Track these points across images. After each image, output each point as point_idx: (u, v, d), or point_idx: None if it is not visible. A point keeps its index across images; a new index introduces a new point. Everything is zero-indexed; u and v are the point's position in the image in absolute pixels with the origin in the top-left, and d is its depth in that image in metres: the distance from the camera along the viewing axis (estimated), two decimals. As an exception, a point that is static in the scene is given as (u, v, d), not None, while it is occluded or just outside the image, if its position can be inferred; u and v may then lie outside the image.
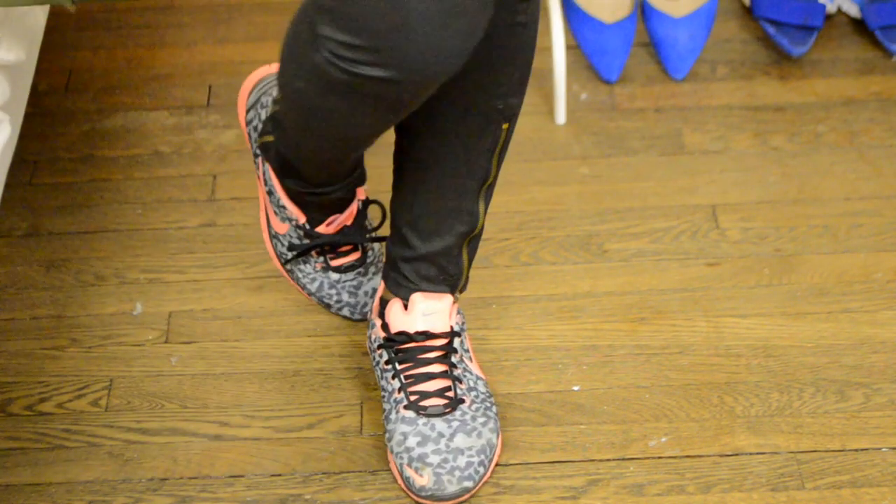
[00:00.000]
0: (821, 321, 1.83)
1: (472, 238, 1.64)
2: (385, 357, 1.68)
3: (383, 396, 1.68)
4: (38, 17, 1.66)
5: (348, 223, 1.78)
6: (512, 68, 1.52)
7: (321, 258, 1.81)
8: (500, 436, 1.67)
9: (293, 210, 1.76)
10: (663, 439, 1.69)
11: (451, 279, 1.67)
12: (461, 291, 1.71)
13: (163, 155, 2.11)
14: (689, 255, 1.92)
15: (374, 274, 1.83)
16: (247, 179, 2.06)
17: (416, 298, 1.66)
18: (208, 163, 2.09)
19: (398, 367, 1.66)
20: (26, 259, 1.95)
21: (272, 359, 1.81)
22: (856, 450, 1.67)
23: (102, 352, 1.82)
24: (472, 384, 1.67)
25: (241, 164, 2.09)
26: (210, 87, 2.23)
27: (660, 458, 1.68)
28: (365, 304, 1.82)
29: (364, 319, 1.83)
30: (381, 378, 1.69)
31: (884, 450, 1.67)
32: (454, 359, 1.67)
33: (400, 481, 1.64)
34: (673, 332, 1.82)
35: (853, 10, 2.28)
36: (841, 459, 1.66)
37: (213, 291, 1.90)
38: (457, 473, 1.60)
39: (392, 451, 1.64)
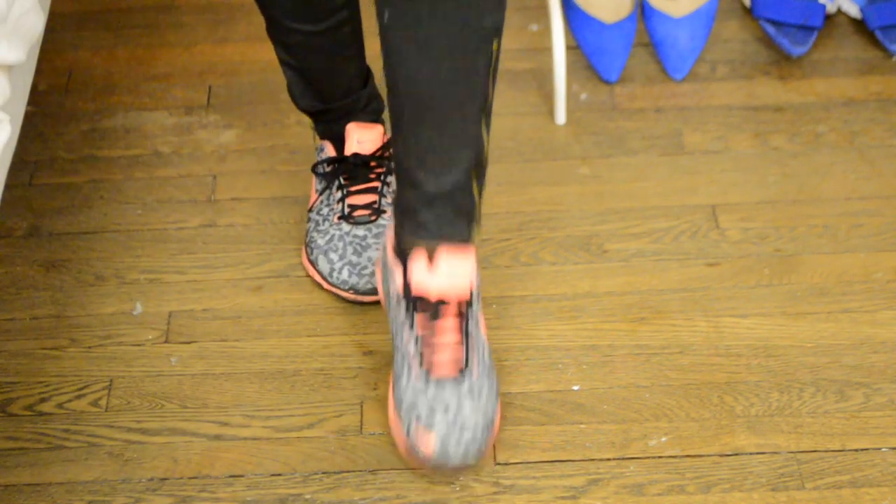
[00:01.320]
0: (821, 321, 1.83)
1: (479, 169, 1.62)
2: (403, 314, 1.66)
3: (395, 347, 1.67)
4: (38, 17, 1.66)
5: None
6: None
7: (340, 193, 1.86)
8: (499, 400, 1.67)
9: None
10: (663, 439, 1.69)
11: (467, 214, 1.64)
12: (478, 223, 1.66)
13: (163, 155, 2.11)
14: (689, 255, 1.92)
15: (377, 247, 1.86)
16: (247, 179, 2.06)
17: (442, 255, 1.63)
18: (208, 163, 2.09)
19: (418, 331, 1.64)
20: (26, 259, 1.95)
21: (272, 359, 1.81)
22: (856, 450, 1.67)
23: (102, 352, 1.82)
24: (480, 351, 1.66)
25: (241, 164, 2.09)
26: (210, 87, 2.23)
27: (660, 457, 1.68)
28: (364, 268, 1.83)
29: (360, 293, 1.83)
30: (396, 333, 1.67)
31: (884, 450, 1.67)
32: (470, 325, 1.65)
33: (402, 444, 1.63)
34: (673, 332, 1.82)
35: (853, 10, 2.28)
36: (841, 459, 1.66)
37: (213, 291, 1.90)
38: (463, 442, 1.60)
39: (399, 415, 1.64)
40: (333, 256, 1.86)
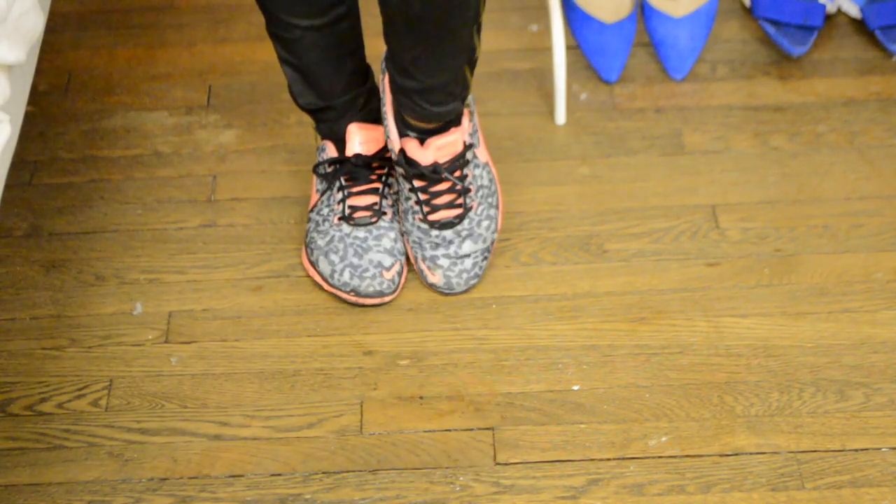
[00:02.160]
0: (821, 321, 1.83)
1: (471, 62, 1.75)
2: (402, 170, 1.84)
3: (397, 192, 1.90)
4: (38, 17, 1.66)
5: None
6: None
7: (341, 195, 1.89)
8: (501, 209, 1.89)
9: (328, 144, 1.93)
10: (663, 439, 1.69)
11: (459, 95, 1.78)
12: (470, 90, 1.81)
13: (163, 155, 2.11)
14: (689, 255, 1.92)
15: (378, 250, 1.85)
16: (247, 179, 2.06)
17: (431, 140, 1.81)
18: (208, 163, 2.09)
19: (415, 184, 1.84)
20: (26, 259, 1.95)
21: (272, 359, 1.81)
22: (856, 450, 1.67)
23: (102, 352, 1.82)
24: (479, 182, 1.85)
25: (241, 164, 2.09)
26: (210, 87, 2.23)
27: (660, 457, 1.68)
28: (366, 270, 1.83)
29: (362, 296, 1.84)
30: (397, 182, 1.88)
31: (884, 450, 1.67)
32: (466, 171, 1.83)
33: (415, 267, 1.87)
34: (673, 332, 1.82)
35: (853, 10, 2.28)
36: (841, 459, 1.66)
37: (213, 291, 1.90)
38: (464, 275, 1.85)
39: (409, 244, 1.87)
40: (334, 258, 1.85)
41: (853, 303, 1.85)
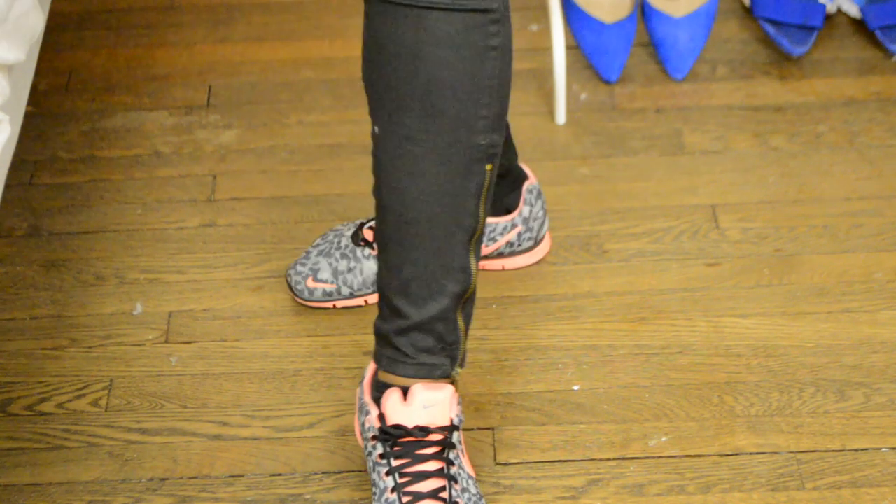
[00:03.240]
0: (821, 321, 1.83)
1: (466, 300, 1.54)
2: (379, 451, 1.55)
3: (374, 493, 1.56)
4: (38, 17, 1.66)
5: None
6: (490, 99, 1.43)
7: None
8: None
9: None
10: (663, 439, 1.69)
11: (449, 348, 1.56)
12: (461, 366, 1.58)
13: (163, 155, 2.11)
14: (689, 255, 1.92)
15: None
16: (247, 179, 2.06)
17: (417, 389, 1.54)
18: (208, 163, 2.09)
19: (393, 463, 1.54)
20: (26, 259, 1.95)
21: (272, 359, 1.81)
22: (856, 450, 1.67)
23: (102, 352, 1.82)
24: (465, 484, 1.56)
25: (241, 164, 2.09)
26: (210, 87, 2.23)
27: (660, 457, 1.68)
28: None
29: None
30: (373, 471, 1.56)
31: (884, 450, 1.67)
32: (452, 455, 1.55)
33: None
34: (673, 332, 1.82)
35: (853, 10, 2.28)
36: (841, 459, 1.66)
37: (212, 291, 1.90)
38: None
39: None
40: None
41: (853, 303, 1.85)
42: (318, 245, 1.87)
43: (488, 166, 1.45)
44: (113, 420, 1.74)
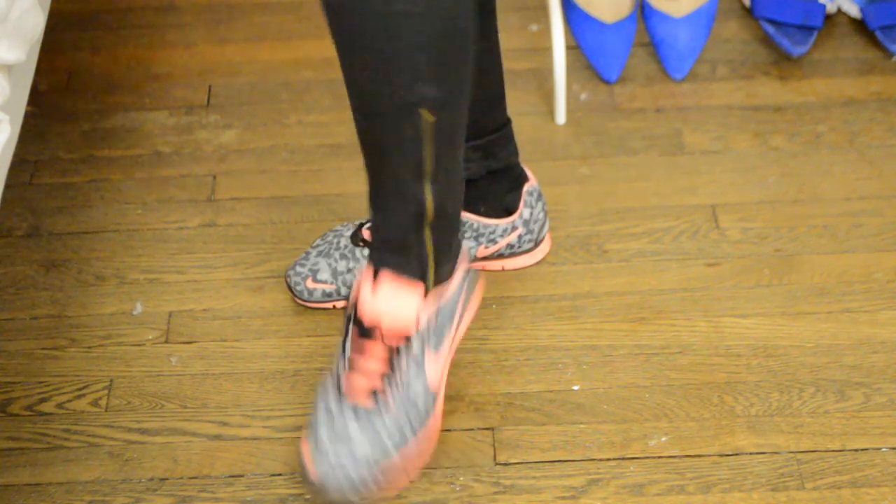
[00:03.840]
0: (821, 321, 1.83)
1: (431, 225, 1.57)
2: (344, 330, 1.62)
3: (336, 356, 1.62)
4: (38, 17, 1.66)
5: None
6: (417, 52, 1.44)
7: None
8: (420, 451, 1.61)
9: None
10: (663, 439, 1.69)
11: (416, 260, 1.59)
12: (436, 283, 1.61)
13: (163, 155, 2.11)
14: (689, 255, 1.92)
15: None
16: (247, 179, 2.06)
17: (384, 279, 1.58)
18: (208, 163, 2.09)
19: (348, 349, 1.59)
20: (26, 259, 1.95)
21: (272, 359, 1.81)
22: (856, 450, 1.67)
23: (102, 352, 1.82)
24: (410, 395, 1.58)
25: (241, 164, 2.09)
26: (210, 87, 2.23)
27: (660, 457, 1.68)
28: None
29: None
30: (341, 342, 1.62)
31: (884, 450, 1.67)
32: (402, 361, 1.58)
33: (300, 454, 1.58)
34: (673, 332, 1.82)
35: (853, 10, 2.28)
36: (841, 459, 1.66)
37: (212, 291, 1.90)
38: (341, 475, 1.55)
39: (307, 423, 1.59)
40: None
41: (853, 303, 1.85)
42: (318, 246, 1.87)
43: (424, 112, 1.46)
44: (113, 420, 1.74)
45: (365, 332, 1.59)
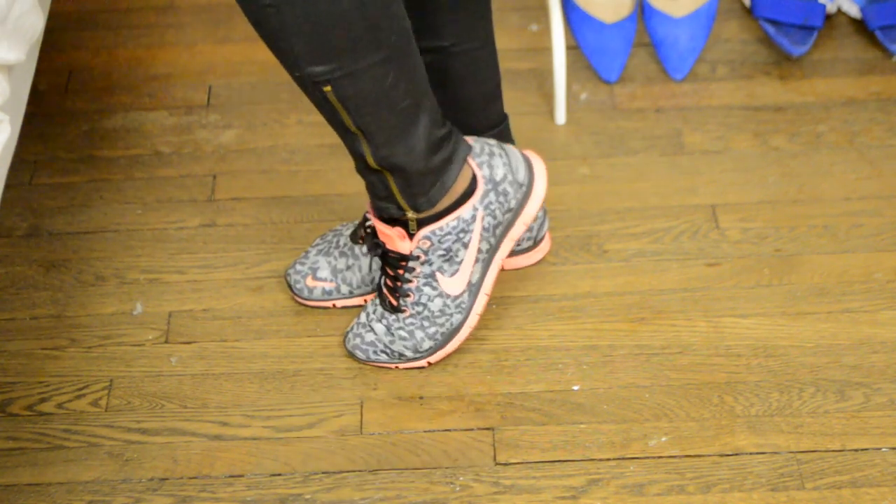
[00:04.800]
0: (821, 321, 1.83)
1: (388, 170, 1.68)
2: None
3: None
4: (38, 17, 1.66)
5: None
6: (294, 38, 1.58)
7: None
8: (416, 346, 1.78)
9: None
10: (663, 439, 1.69)
11: (386, 198, 1.72)
12: (420, 219, 1.74)
13: (163, 155, 2.11)
14: (689, 255, 1.92)
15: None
16: (247, 179, 2.06)
17: (374, 217, 1.77)
18: (208, 163, 2.09)
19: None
20: (26, 259, 1.95)
21: (272, 359, 1.81)
22: (856, 450, 1.67)
23: (102, 352, 1.82)
24: (423, 301, 1.77)
25: (241, 164, 2.09)
26: (210, 87, 2.23)
27: (660, 457, 1.68)
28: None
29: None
30: None
31: (884, 450, 1.67)
32: (406, 275, 1.76)
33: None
34: (673, 332, 1.82)
35: (853, 10, 2.28)
36: (841, 459, 1.66)
37: (213, 291, 1.90)
38: (358, 341, 1.79)
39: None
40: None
41: (853, 303, 1.85)
42: (317, 245, 1.87)
43: (326, 87, 1.60)
44: (113, 420, 1.74)
45: (383, 254, 1.79)
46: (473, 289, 1.78)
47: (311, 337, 1.83)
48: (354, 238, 1.85)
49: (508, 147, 1.79)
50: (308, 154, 2.10)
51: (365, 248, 1.84)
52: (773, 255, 1.92)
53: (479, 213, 1.75)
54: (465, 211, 1.74)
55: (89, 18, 2.38)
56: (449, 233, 1.75)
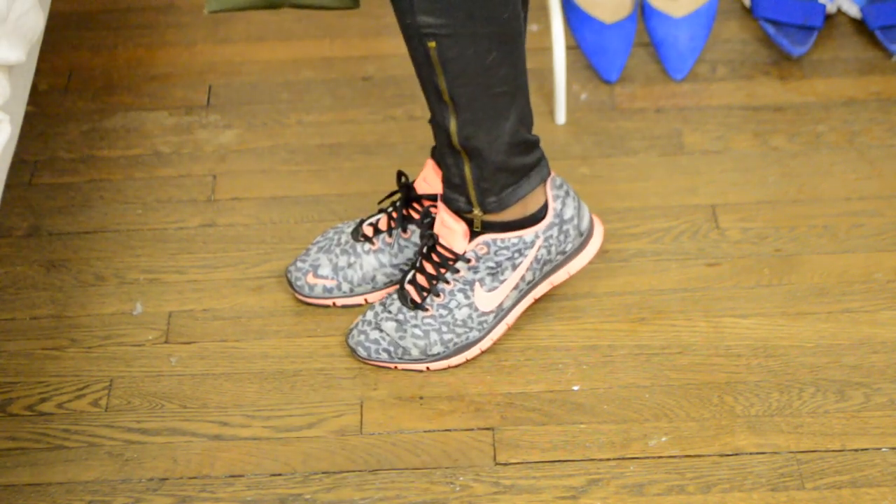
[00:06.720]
0: (821, 321, 1.83)
1: (467, 153, 1.69)
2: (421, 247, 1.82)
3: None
4: (38, 17, 1.66)
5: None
6: None
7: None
8: (423, 348, 1.77)
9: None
10: (663, 439, 1.69)
11: (458, 188, 1.73)
12: (485, 215, 1.75)
13: (163, 155, 2.11)
14: (689, 255, 1.92)
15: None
16: (247, 179, 2.06)
17: (441, 207, 1.77)
18: (208, 163, 2.09)
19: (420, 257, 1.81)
20: (26, 259, 1.95)
21: (272, 359, 1.81)
22: (856, 450, 1.67)
23: (102, 352, 1.82)
24: (451, 306, 1.77)
25: (241, 163, 2.09)
26: (210, 87, 2.23)
27: (660, 457, 1.68)
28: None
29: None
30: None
31: (884, 450, 1.67)
32: (448, 275, 1.76)
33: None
34: (673, 332, 1.82)
35: (853, 10, 2.28)
36: (841, 459, 1.66)
37: (213, 291, 1.90)
38: (363, 338, 1.78)
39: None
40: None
41: (853, 303, 1.85)
42: (318, 242, 1.88)
43: (430, 43, 1.62)
44: (113, 420, 1.74)
45: (432, 244, 1.78)
46: (501, 313, 1.79)
47: (311, 337, 1.84)
48: (356, 236, 1.85)
49: (580, 199, 1.82)
50: (308, 154, 2.10)
51: (367, 247, 1.84)
52: (773, 255, 1.92)
53: (539, 242, 1.77)
54: (528, 234, 1.76)
55: (89, 18, 2.38)
56: (507, 247, 1.75)
